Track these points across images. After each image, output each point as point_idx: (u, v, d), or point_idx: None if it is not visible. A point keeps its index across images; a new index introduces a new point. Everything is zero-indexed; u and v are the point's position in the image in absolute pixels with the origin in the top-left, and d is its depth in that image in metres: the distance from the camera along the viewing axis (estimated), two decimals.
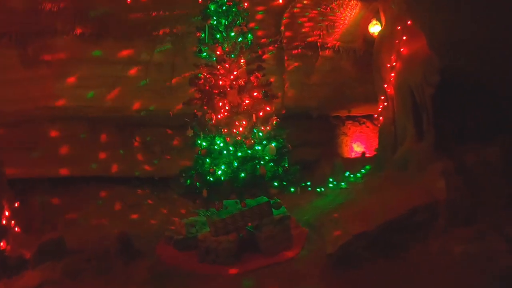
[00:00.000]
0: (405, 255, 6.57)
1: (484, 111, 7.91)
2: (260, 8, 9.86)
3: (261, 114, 7.12)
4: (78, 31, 9.03)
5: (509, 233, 6.57)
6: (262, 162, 6.92)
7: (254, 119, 6.97)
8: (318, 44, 10.46)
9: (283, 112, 10.24)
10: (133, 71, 9.55)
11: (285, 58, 10.38)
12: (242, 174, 6.74)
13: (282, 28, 10.13)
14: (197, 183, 6.91)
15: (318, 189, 9.69)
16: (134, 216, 9.48)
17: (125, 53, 9.40)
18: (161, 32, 9.47)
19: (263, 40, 9.98)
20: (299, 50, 10.39)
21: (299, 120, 10.47)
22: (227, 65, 7.24)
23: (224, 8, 7.40)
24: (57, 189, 9.72)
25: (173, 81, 9.70)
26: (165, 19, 9.38)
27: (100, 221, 9.06)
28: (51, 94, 9.11)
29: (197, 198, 7.19)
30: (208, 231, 6.96)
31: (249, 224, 6.97)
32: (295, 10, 10.07)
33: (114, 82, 9.48)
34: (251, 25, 9.51)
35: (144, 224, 9.09)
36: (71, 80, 9.20)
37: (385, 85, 9.28)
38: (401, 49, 8.77)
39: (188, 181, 7.19)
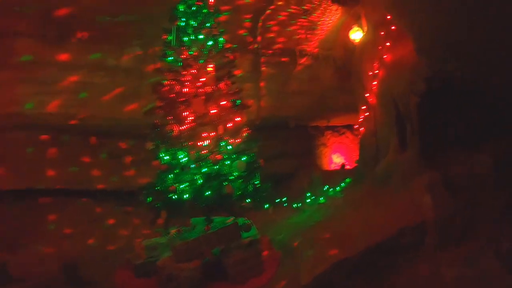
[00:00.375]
0: (392, 281, 5.74)
1: (471, 118, 7.20)
2: (237, 12, 8.91)
3: (229, 125, 6.18)
4: (42, 33, 8.04)
5: (503, 251, 5.82)
6: (230, 179, 5.99)
7: (221, 131, 6.02)
8: (297, 51, 9.64)
9: (258, 122, 9.50)
10: (99, 77, 8.60)
11: (262, 65, 9.52)
12: (208, 192, 5.80)
13: (259, 33, 9.21)
14: (157, 203, 5.93)
15: (294, 205, 8.78)
16: (94, 235, 8.44)
17: (91, 57, 8.43)
18: (129, 36, 8.50)
19: (242, 46, 9.08)
20: (277, 57, 9.54)
21: (275, 130, 9.67)
22: (194, 71, 6.32)
23: (193, 8, 6.53)
24: (15, 203, 8.67)
25: (143, 87, 8.68)
26: (134, 22, 8.44)
27: (57, 241, 7.98)
28: (11, 100, 8.15)
29: (157, 218, 6.17)
30: (170, 256, 6.00)
31: (215, 247, 6.02)
32: (273, 15, 9.18)
33: (80, 88, 8.52)
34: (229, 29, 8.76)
35: (106, 243, 8.10)
36: (33, 85, 8.24)
37: (367, 94, 8.49)
38: (384, 56, 8.02)
39: (149, 198, 6.22)
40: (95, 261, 6.96)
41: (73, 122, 8.71)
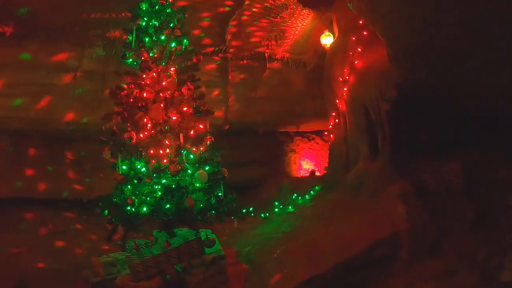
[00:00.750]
0: None
1: (442, 127, 6.94)
2: (204, 14, 8.35)
3: (191, 132, 5.58)
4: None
5: (478, 261, 5.62)
6: (192, 190, 5.40)
7: (182, 140, 5.40)
8: (266, 55, 9.16)
9: (227, 127, 8.94)
10: (61, 79, 7.86)
11: (230, 69, 8.97)
12: (167, 206, 5.19)
13: (228, 36, 8.65)
14: (113, 218, 5.30)
15: (262, 214, 8.23)
16: (55, 247, 7.64)
17: (52, 58, 7.71)
18: (91, 36, 7.84)
19: (209, 49, 8.53)
20: (245, 61, 9.01)
21: (243, 136, 9.12)
22: (154, 74, 5.71)
23: (156, 7, 5.92)
24: None
25: (106, 91, 7.97)
26: (97, 21, 7.76)
27: (9, 259, 7.20)
28: None
29: (114, 233, 5.53)
30: (129, 274, 5.37)
31: (176, 264, 5.42)
32: (242, 18, 8.65)
33: (40, 90, 7.78)
34: (195, 32, 8.20)
35: (65, 258, 7.31)
36: None
37: (337, 101, 8.07)
38: (355, 62, 7.62)
39: (106, 211, 5.57)
40: (51, 279, 6.23)
41: (33, 126, 7.94)
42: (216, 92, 8.94)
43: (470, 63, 5.74)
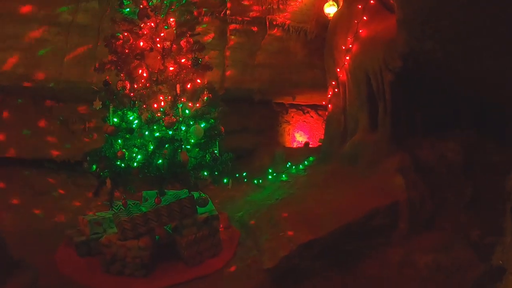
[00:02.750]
0: (362, 267, 5.06)
1: (442, 104, 6.59)
2: None
3: (188, 86, 5.11)
4: None
5: (474, 239, 5.43)
6: (187, 146, 4.97)
7: (178, 91, 4.92)
8: (267, 20, 8.60)
9: (222, 93, 8.49)
10: (52, 34, 7.31)
11: (228, 33, 8.45)
12: (160, 161, 4.75)
13: None
14: (101, 172, 4.85)
15: (255, 181, 7.85)
16: (40, 209, 7.13)
17: (42, 11, 7.14)
18: None
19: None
20: (245, 25, 8.48)
21: (238, 104, 8.60)
22: (152, 24, 5.22)
23: None
24: None
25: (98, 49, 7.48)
26: None
27: None
28: None
29: (101, 188, 5.08)
30: (116, 232, 4.97)
31: (167, 224, 5.02)
32: None
33: (30, 45, 7.20)
34: None
35: (52, 218, 6.86)
36: None
37: (338, 69, 7.60)
38: (360, 31, 7.14)
39: (94, 166, 5.11)
40: (34, 240, 5.81)
41: (21, 83, 7.36)
42: (213, 55, 8.39)
43: (479, 40, 5.39)
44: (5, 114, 7.69)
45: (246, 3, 8.29)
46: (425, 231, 5.48)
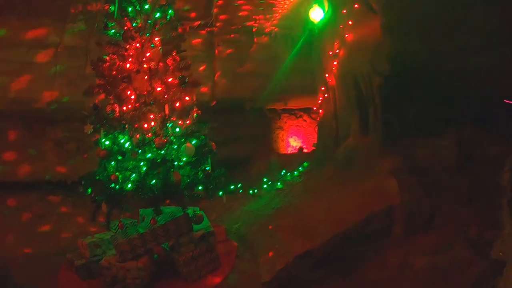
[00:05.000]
0: (361, 272, 5.12)
1: (434, 102, 6.65)
2: None
3: (177, 104, 5.19)
4: None
5: (472, 237, 5.45)
6: (180, 163, 5.05)
7: (167, 111, 5.00)
8: (254, 29, 8.70)
9: (214, 103, 8.57)
10: (42, 56, 7.41)
11: (216, 44, 8.54)
12: (153, 181, 4.83)
13: (215, 10, 8.20)
14: (96, 196, 4.94)
15: (250, 191, 7.89)
16: (40, 232, 7.17)
17: (32, 34, 7.23)
18: (72, 10, 7.35)
19: (195, 23, 8.10)
20: (232, 35, 8.57)
21: (230, 113, 8.68)
22: (138, 45, 5.30)
23: None
24: None
25: (88, 68, 7.51)
26: None
27: None
28: None
29: (98, 212, 5.16)
30: (115, 254, 5.04)
31: (164, 243, 5.09)
32: None
33: (20, 68, 7.33)
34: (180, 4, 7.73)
35: (52, 241, 6.86)
36: None
37: (326, 75, 7.69)
38: (346, 35, 7.22)
39: (89, 190, 5.19)
40: (36, 264, 5.87)
41: (12, 106, 7.45)
42: (202, 68, 8.50)
43: (463, 37, 5.49)
44: (3, 138, 7.80)
45: (231, 13, 8.39)
46: (423, 232, 5.55)
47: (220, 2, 8.25)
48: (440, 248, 5.21)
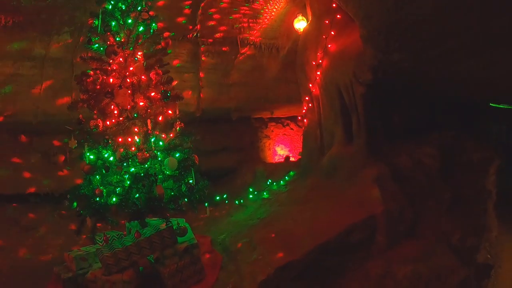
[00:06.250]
0: (343, 283, 5.25)
1: (417, 110, 6.95)
2: None
3: (160, 118, 5.32)
4: None
5: (455, 244, 5.66)
6: (165, 173, 5.16)
7: (150, 126, 5.13)
8: (238, 40, 8.85)
9: (199, 114, 8.70)
10: (27, 68, 7.47)
11: (201, 55, 8.66)
12: (137, 195, 4.94)
13: (199, 21, 8.33)
14: (81, 210, 5.03)
15: (236, 201, 8.04)
16: (27, 245, 7.17)
17: (17, 46, 7.30)
18: (58, 23, 7.44)
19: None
20: (217, 46, 8.71)
21: (217, 123, 8.83)
22: (121, 59, 5.42)
23: None
24: None
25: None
26: (63, 6, 7.34)
27: None
28: None
29: (83, 225, 5.26)
30: (100, 267, 5.13)
31: (149, 255, 5.20)
32: (214, 1, 8.31)
33: (5, 81, 7.38)
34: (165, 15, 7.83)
35: (38, 254, 6.90)
36: None
37: (310, 85, 7.85)
38: (329, 45, 7.40)
39: (75, 204, 5.29)
40: (22, 277, 5.93)
41: (2, 119, 7.57)
42: (187, 78, 8.68)
43: (444, 46, 5.65)
44: None
45: (216, 24, 8.53)
46: (405, 240, 5.68)
47: (204, 13, 8.42)
48: (423, 256, 5.36)
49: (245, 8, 8.55)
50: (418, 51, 5.84)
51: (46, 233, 7.59)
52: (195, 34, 8.45)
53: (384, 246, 5.56)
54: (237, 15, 8.63)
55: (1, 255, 6.72)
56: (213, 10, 8.39)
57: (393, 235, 5.64)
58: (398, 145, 6.55)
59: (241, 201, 7.98)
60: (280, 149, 10.33)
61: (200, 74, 8.71)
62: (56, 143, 8.32)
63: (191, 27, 8.39)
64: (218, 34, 8.68)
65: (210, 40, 8.66)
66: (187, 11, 8.27)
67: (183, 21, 8.12)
